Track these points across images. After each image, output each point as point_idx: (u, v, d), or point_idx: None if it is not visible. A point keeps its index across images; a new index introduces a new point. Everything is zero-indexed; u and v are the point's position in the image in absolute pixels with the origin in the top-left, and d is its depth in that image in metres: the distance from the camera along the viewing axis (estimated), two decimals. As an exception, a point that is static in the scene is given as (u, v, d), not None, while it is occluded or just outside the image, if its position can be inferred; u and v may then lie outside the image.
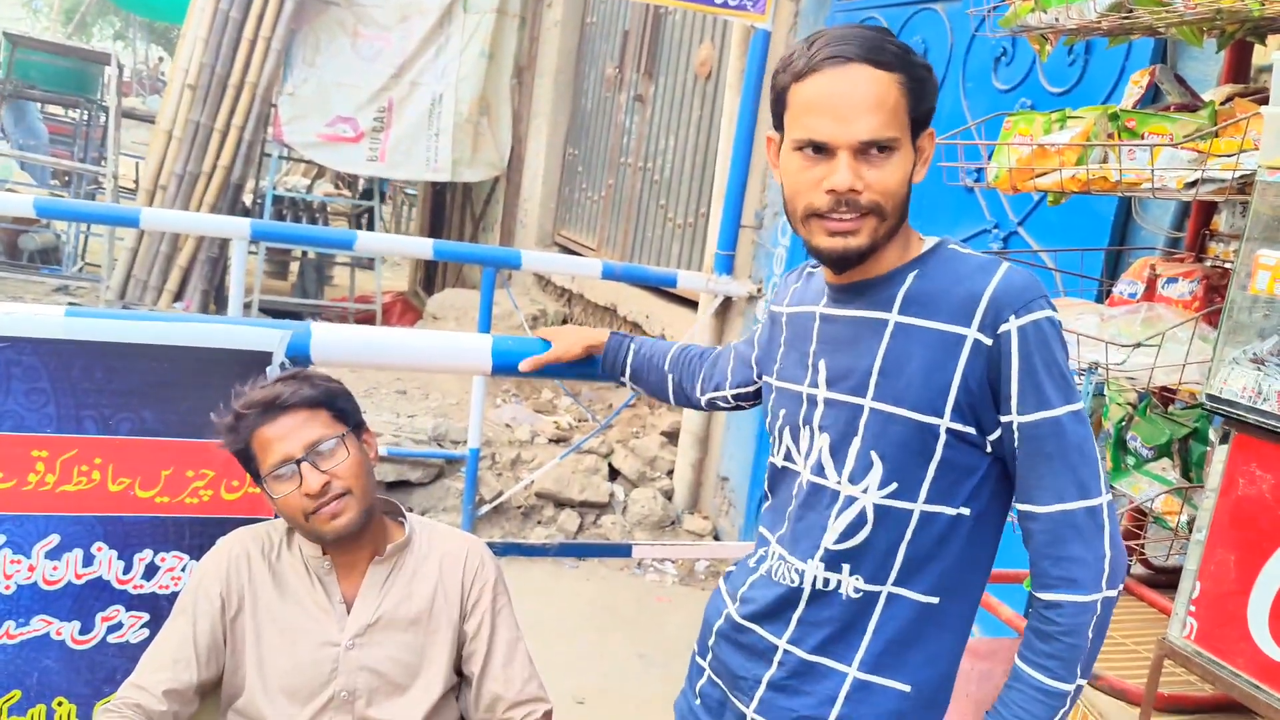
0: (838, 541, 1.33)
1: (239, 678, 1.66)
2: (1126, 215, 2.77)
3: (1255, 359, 1.32)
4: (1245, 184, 1.52)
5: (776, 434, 1.46)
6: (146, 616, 1.84)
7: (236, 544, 1.71)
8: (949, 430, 1.27)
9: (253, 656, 1.65)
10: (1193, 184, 1.59)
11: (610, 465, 5.12)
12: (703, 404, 1.76)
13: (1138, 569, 2.10)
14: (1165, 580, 2.01)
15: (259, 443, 1.62)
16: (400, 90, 7.38)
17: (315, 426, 1.62)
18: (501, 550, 2.69)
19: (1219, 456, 1.40)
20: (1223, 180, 1.55)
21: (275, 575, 1.69)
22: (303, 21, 7.10)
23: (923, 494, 1.29)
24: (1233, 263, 1.40)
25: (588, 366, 1.94)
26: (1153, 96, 2.10)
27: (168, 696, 1.59)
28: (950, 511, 1.29)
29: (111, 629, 1.83)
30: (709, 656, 1.50)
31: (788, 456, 1.43)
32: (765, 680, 1.38)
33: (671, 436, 5.32)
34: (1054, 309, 1.27)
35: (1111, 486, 1.78)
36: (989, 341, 1.24)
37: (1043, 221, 3.10)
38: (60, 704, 1.82)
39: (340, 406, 1.68)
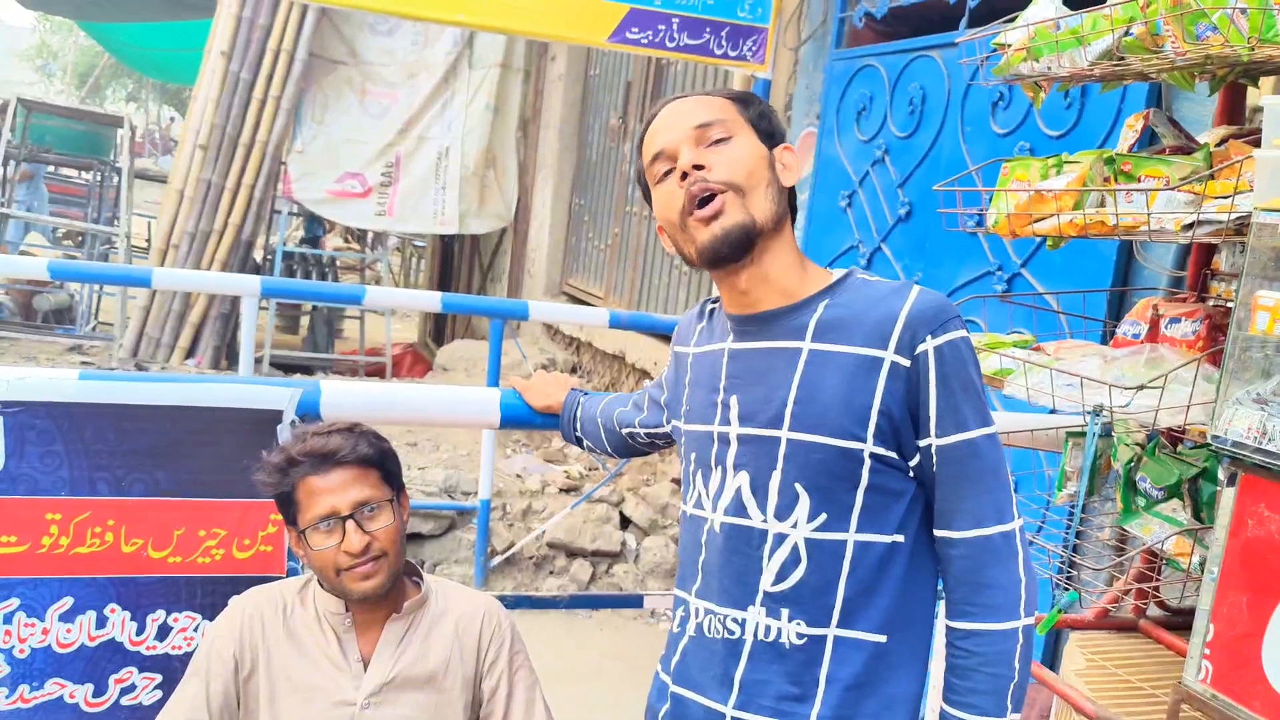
0: (775, 583, 1.27)
1: (252, 738, 1.66)
2: (1129, 256, 2.79)
3: (1259, 399, 1.32)
4: (1242, 225, 1.53)
5: (689, 479, 1.41)
6: (160, 678, 1.83)
7: (249, 604, 1.71)
8: (873, 455, 1.24)
9: (267, 716, 1.65)
10: (1190, 226, 1.60)
11: (622, 513, 5.10)
12: (623, 435, 1.73)
13: (1154, 611, 2.09)
14: (1181, 622, 1.99)
15: (305, 491, 1.61)
16: (407, 145, 7.49)
17: (365, 487, 1.62)
18: (513, 603, 2.68)
19: (1227, 498, 1.39)
20: (1219, 222, 1.56)
21: (290, 634, 1.69)
22: (311, 81, 7.23)
23: (853, 523, 1.25)
24: (1233, 302, 1.41)
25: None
26: (1149, 139, 2.12)
27: (181, 758, 1.59)
28: (884, 539, 1.25)
29: (125, 691, 1.82)
30: None
31: (697, 503, 1.38)
32: None
33: (682, 483, 5.30)
34: (966, 329, 1.27)
35: (1122, 528, 1.78)
36: (906, 363, 1.23)
37: (1046, 263, 3.12)
38: (74, 768, 1.81)
39: (389, 468, 1.68)
